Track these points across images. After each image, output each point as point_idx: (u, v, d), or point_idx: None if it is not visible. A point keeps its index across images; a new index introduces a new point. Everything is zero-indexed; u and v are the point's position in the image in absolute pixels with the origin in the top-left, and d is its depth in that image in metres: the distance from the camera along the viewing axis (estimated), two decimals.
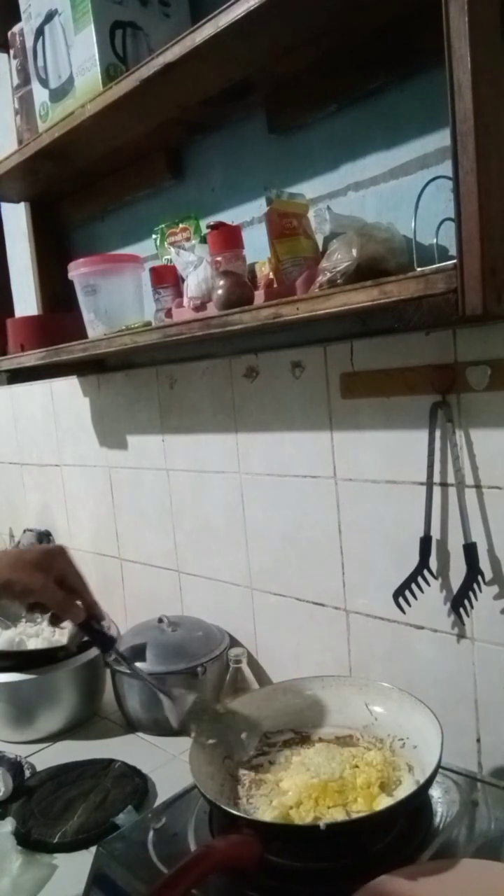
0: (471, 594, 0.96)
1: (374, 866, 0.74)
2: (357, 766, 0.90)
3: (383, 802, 0.83)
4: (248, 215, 1.18)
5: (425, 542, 1.01)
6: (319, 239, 1.01)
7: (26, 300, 1.63)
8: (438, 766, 0.83)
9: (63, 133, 1.14)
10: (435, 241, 0.91)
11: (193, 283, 1.09)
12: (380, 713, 1.00)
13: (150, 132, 1.18)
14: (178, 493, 1.45)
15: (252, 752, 0.99)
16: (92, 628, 0.89)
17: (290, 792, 0.86)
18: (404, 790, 0.86)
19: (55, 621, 0.88)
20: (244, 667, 1.18)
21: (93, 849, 0.91)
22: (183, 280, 1.13)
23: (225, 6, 0.85)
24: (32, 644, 1.42)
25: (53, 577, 0.84)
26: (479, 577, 0.96)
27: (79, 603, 0.89)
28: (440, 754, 0.84)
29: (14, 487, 1.97)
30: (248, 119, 1.15)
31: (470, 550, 0.96)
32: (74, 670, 1.31)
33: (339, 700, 1.03)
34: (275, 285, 1.01)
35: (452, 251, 0.76)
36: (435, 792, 0.89)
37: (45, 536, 1.83)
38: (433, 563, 1.02)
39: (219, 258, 1.04)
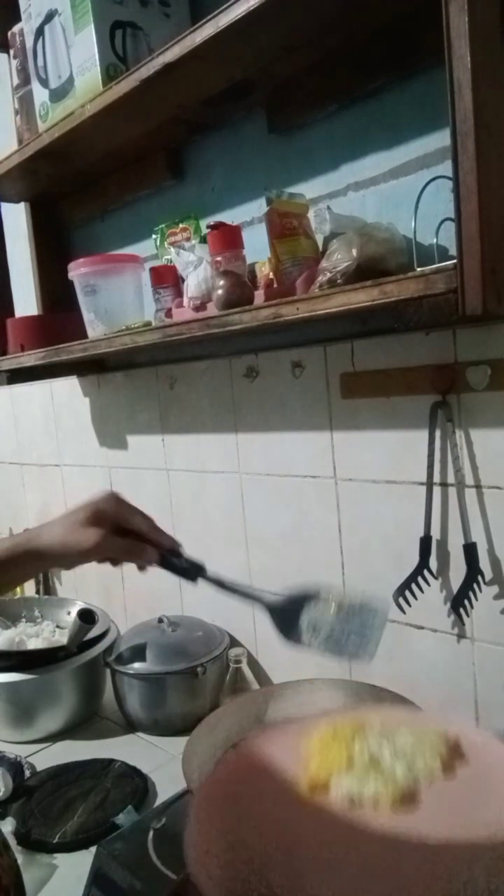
0: (471, 594, 0.96)
1: None
2: None
3: None
4: (248, 215, 1.18)
5: (425, 542, 1.01)
6: (319, 239, 1.01)
7: (26, 300, 1.63)
8: None
9: (63, 133, 1.14)
10: (435, 241, 0.91)
11: (193, 283, 1.09)
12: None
13: (150, 132, 1.18)
14: (178, 493, 1.45)
15: None
16: (173, 564, 0.84)
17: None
18: None
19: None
20: (244, 667, 1.18)
21: (93, 849, 0.92)
22: (183, 280, 1.13)
23: (225, 6, 0.85)
24: (32, 644, 1.43)
25: (110, 529, 0.80)
26: (479, 577, 0.96)
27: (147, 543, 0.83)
28: None
29: (14, 487, 1.96)
30: (248, 119, 1.15)
31: (470, 550, 0.96)
32: (74, 670, 1.31)
33: (330, 704, 1.02)
34: (275, 285, 1.01)
35: (452, 251, 0.76)
36: None
37: None
38: (433, 563, 1.02)
39: (219, 258, 1.04)
